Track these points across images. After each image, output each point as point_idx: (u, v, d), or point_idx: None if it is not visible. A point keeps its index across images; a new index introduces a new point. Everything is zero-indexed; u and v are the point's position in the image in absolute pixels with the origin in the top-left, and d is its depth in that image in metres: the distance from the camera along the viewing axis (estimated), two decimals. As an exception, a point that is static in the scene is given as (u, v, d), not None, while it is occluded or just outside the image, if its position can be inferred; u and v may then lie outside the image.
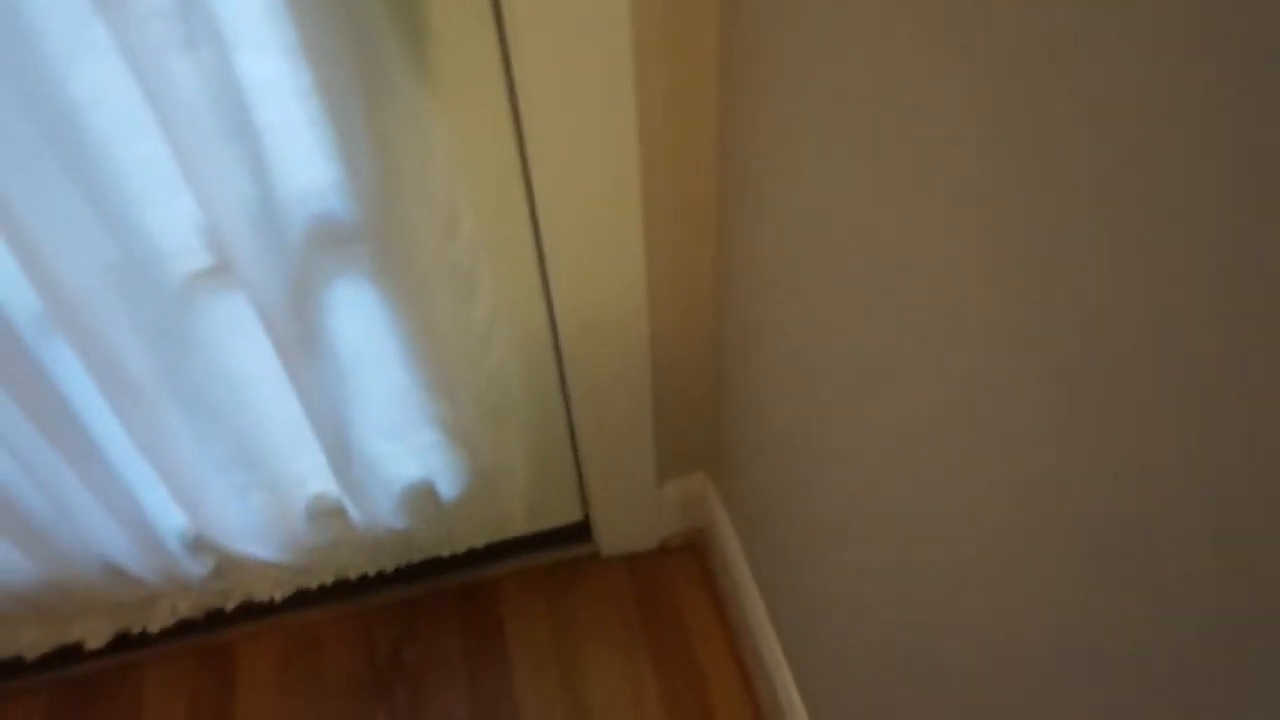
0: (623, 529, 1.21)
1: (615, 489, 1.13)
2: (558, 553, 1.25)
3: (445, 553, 1.17)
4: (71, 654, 1.15)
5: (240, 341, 0.88)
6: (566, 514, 1.21)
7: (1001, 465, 0.45)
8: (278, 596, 1.15)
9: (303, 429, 0.94)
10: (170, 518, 1.00)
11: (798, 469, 0.81)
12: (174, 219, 0.79)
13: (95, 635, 1.12)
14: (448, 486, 1.07)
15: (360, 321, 0.90)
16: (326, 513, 1.06)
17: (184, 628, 1.16)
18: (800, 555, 0.86)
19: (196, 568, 1.05)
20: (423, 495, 1.07)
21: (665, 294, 0.93)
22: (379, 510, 1.04)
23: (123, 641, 1.15)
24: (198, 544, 1.04)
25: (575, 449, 1.12)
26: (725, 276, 0.91)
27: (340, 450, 0.96)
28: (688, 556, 1.30)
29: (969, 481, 0.49)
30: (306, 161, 0.77)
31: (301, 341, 0.85)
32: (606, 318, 0.91)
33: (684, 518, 1.24)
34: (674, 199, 0.85)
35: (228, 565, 1.08)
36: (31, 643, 1.12)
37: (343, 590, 1.18)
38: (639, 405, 1.01)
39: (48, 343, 0.81)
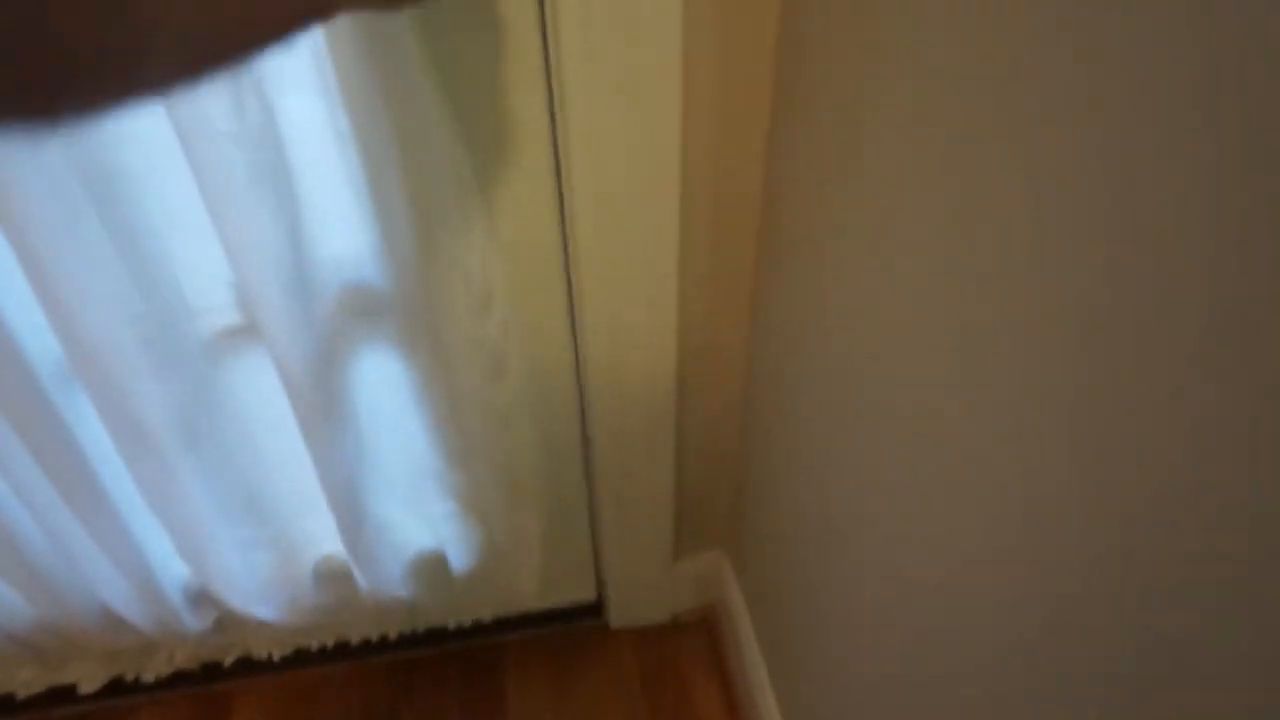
0: (634, 601, 1.18)
1: (630, 562, 1.10)
2: (566, 628, 1.21)
3: (451, 623, 1.14)
4: (65, 695, 1.12)
5: (260, 401, 0.86)
6: (579, 593, 1.17)
7: (1035, 578, 0.43)
8: (276, 655, 1.12)
9: (316, 491, 0.91)
10: (173, 570, 0.98)
11: (817, 559, 0.78)
12: (205, 275, 0.78)
13: (90, 679, 1.10)
14: (459, 558, 1.04)
15: (384, 390, 0.88)
16: (333, 575, 1.03)
17: (179, 677, 1.13)
18: (814, 646, 0.83)
19: (196, 622, 1.03)
20: (432, 565, 1.04)
21: (695, 379, 0.92)
22: (387, 577, 1.01)
23: (117, 686, 1.13)
24: (200, 598, 1.02)
25: (593, 528, 1.09)
26: (755, 363, 0.90)
27: (351, 516, 0.93)
28: (699, 633, 1.26)
29: (1000, 588, 0.47)
30: (343, 229, 0.76)
31: (323, 407, 0.83)
32: (636, 400, 0.89)
33: (698, 594, 1.21)
34: (710, 286, 0.85)
35: (228, 621, 1.05)
36: (25, 682, 1.10)
37: (343, 652, 1.15)
38: (662, 484, 0.99)
39: (67, 391, 0.80)
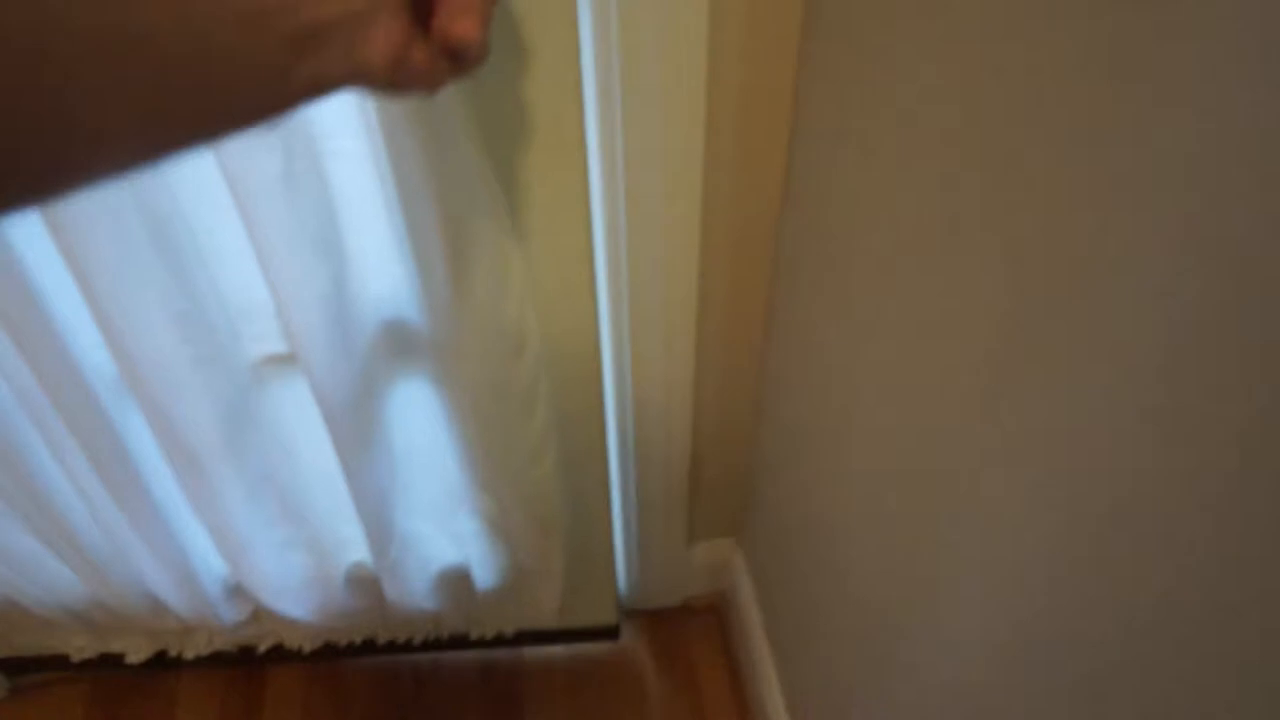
0: (648, 585, 1.22)
1: (644, 544, 1.14)
2: (586, 645, 1.24)
3: (473, 634, 1.17)
4: (115, 661, 1.20)
5: (301, 423, 0.89)
6: (600, 617, 1.19)
7: (1033, 581, 0.44)
8: (307, 647, 1.17)
9: (350, 503, 0.95)
10: (213, 566, 1.03)
11: (817, 558, 0.81)
12: (253, 304, 0.81)
13: (136, 651, 1.17)
14: (483, 575, 1.07)
15: (418, 422, 0.90)
16: (363, 581, 1.07)
17: (218, 656, 1.20)
18: (815, 636, 0.86)
19: (233, 613, 1.08)
20: (457, 580, 1.07)
21: (711, 397, 0.98)
22: (413, 590, 1.05)
23: (162, 658, 1.20)
24: (236, 592, 1.07)
25: (615, 557, 1.11)
26: (767, 379, 0.95)
27: (381, 530, 0.96)
28: (710, 618, 1.29)
29: (989, 595, 0.48)
30: (384, 272, 0.78)
31: (359, 434, 0.86)
32: (658, 412, 0.95)
33: (710, 581, 1.25)
34: (729, 316, 0.90)
35: (263, 614, 1.10)
36: (79, 647, 1.17)
37: (369, 648, 1.20)
38: (677, 482, 1.04)
39: (120, 402, 0.84)
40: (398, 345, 0.84)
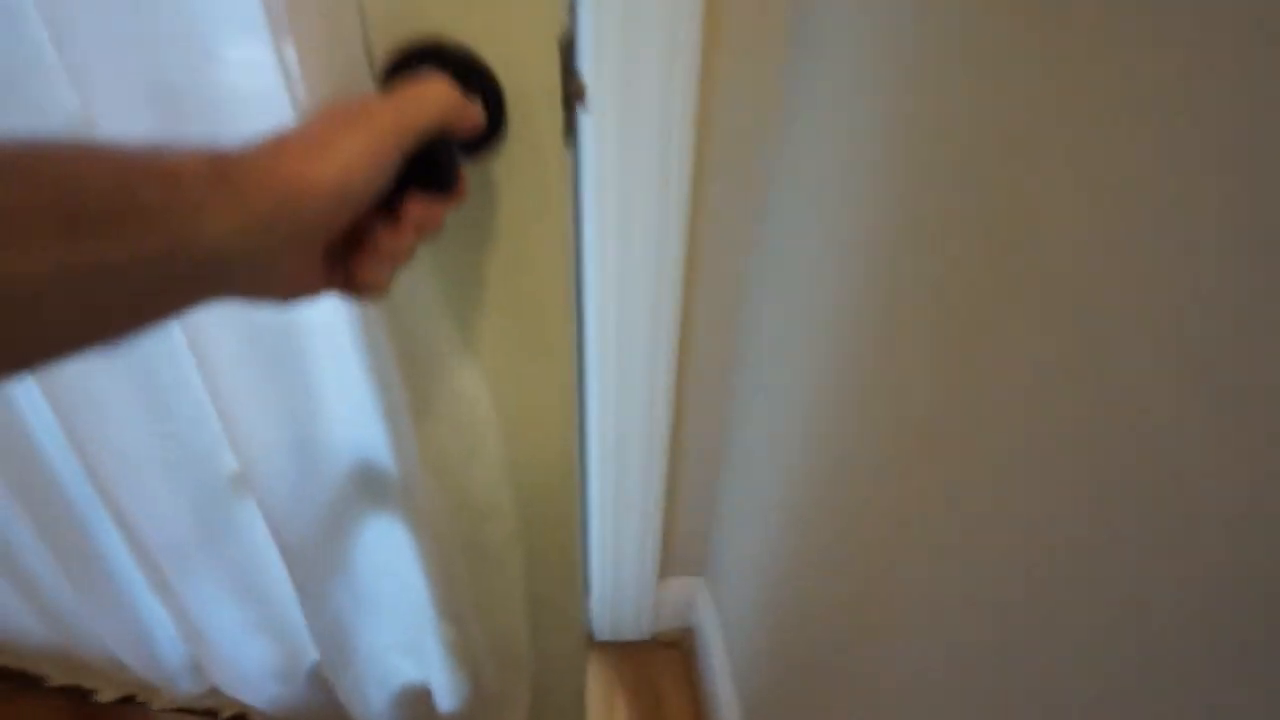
0: (618, 617, 1.23)
1: (615, 579, 1.16)
2: None
3: (432, 745, 1.13)
4: (89, 691, 1.20)
5: (268, 535, 0.86)
6: (564, 751, 1.13)
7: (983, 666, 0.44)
8: (268, 723, 1.15)
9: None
10: (176, 646, 1.01)
11: (783, 597, 0.83)
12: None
13: (106, 693, 1.17)
14: (445, 698, 1.02)
15: (384, 557, 0.86)
16: (324, 680, 1.03)
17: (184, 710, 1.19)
18: (780, 670, 0.87)
19: (191, 686, 1.06)
20: (418, 699, 1.02)
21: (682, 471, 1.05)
22: (371, 706, 1.01)
23: (130, 699, 1.19)
24: (197, 668, 1.05)
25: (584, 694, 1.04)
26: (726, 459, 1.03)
27: (340, 654, 0.92)
28: (678, 653, 1.29)
29: (949, 637, 0.48)
30: (354, 422, 0.73)
31: (317, 569, 0.82)
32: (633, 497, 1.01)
33: (678, 616, 1.26)
34: (697, 439, 1.01)
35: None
36: (54, 674, 1.18)
37: (332, 732, 1.17)
38: (650, 538, 1.09)
39: (91, 503, 0.83)
40: (366, 488, 0.79)
